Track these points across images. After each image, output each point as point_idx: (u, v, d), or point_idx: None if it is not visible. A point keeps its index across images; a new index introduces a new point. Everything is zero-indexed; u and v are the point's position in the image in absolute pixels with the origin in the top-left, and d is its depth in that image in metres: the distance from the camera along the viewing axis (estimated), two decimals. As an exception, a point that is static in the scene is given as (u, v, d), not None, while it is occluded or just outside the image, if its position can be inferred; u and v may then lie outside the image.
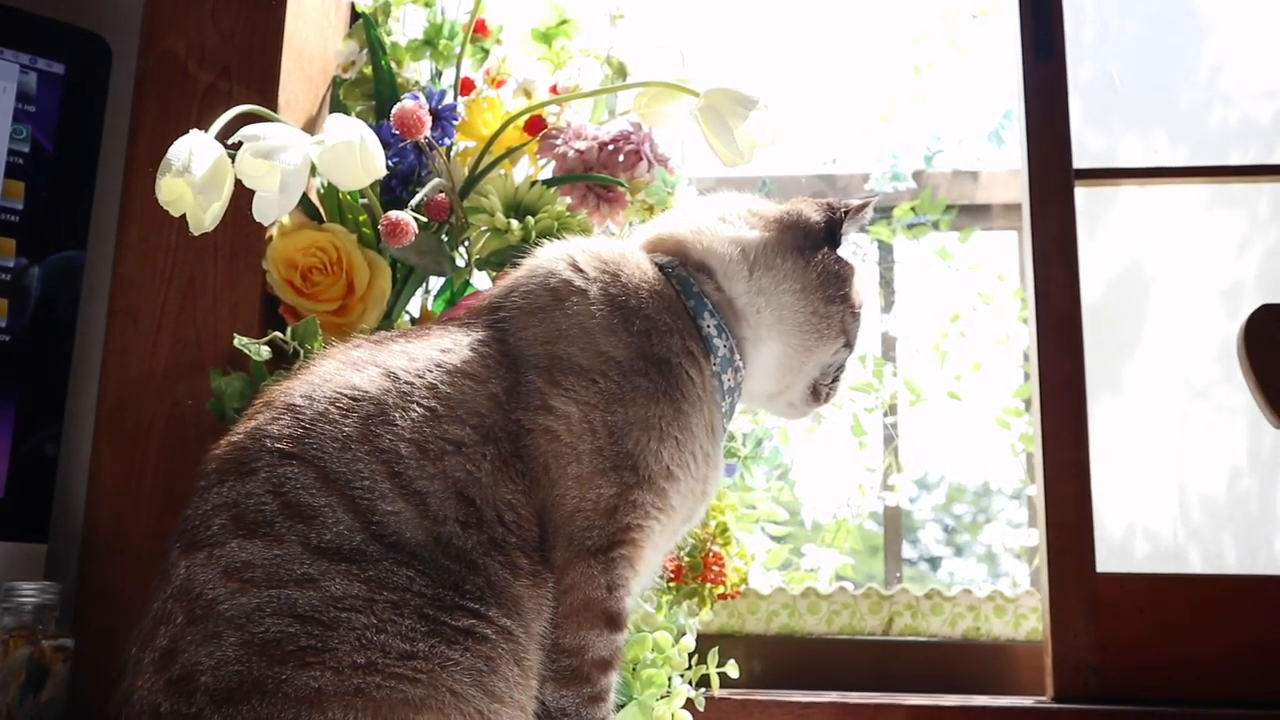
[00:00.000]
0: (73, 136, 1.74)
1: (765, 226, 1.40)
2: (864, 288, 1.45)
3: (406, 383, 1.17)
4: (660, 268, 1.34)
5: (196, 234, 1.37)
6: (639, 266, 1.32)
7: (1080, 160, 1.97)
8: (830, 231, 1.41)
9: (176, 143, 1.35)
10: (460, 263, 1.69)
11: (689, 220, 1.41)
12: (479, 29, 1.83)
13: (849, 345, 1.43)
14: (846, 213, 1.42)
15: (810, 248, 1.39)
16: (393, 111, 1.58)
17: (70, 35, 1.76)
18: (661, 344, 1.26)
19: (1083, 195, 1.94)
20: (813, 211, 1.42)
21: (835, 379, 1.45)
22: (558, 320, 1.25)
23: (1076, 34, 2.03)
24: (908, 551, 2.58)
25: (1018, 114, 1.94)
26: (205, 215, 1.35)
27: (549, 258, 1.32)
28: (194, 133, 1.37)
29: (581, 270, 1.29)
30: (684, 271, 1.34)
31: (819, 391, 1.44)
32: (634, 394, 1.22)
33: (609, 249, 1.35)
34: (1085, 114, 2.02)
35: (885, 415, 2.39)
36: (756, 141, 1.47)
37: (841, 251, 1.43)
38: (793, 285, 1.37)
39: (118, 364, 1.73)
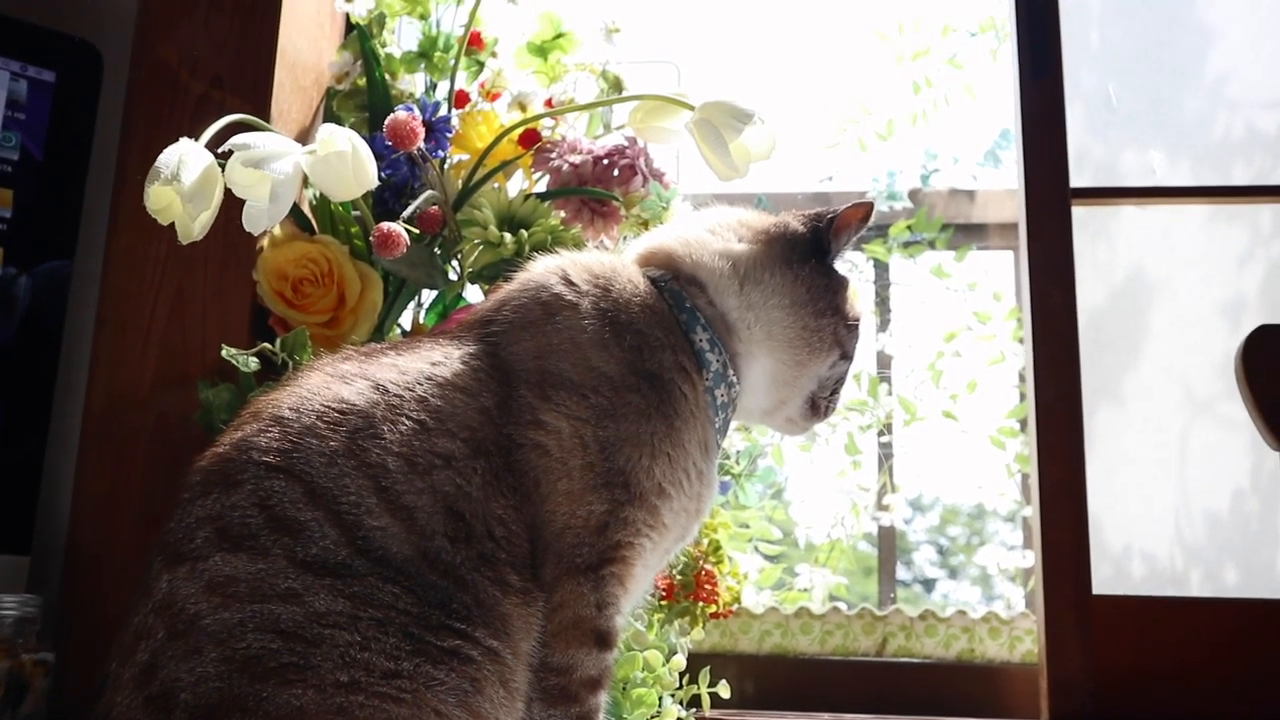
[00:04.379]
0: (62, 145, 1.73)
1: (754, 239, 1.39)
2: (858, 299, 1.43)
3: (396, 395, 1.16)
4: (653, 281, 1.33)
5: (185, 243, 1.36)
6: (631, 280, 1.31)
7: (1082, 172, 1.97)
8: (817, 242, 1.39)
9: (166, 151, 1.34)
10: (453, 276, 1.68)
11: (680, 233, 1.40)
12: (474, 42, 1.83)
13: (845, 357, 1.41)
14: (832, 220, 1.39)
15: (798, 260, 1.38)
16: (385, 122, 1.57)
17: (61, 43, 1.75)
18: (654, 359, 1.25)
19: (1082, 212, 1.94)
20: (799, 223, 1.41)
21: (834, 392, 1.43)
22: (549, 335, 1.24)
23: (1083, 41, 2.03)
24: (902, 573, 2.57)
25: (1015, 133, 1.93)
26: (194, 224, 1.34)
27: (541, 271, 1.31)
28: (184, 141, 1.36)
29: (573, 284, 1.28)
30: (676, 285, 1.33)
31: (817, 405, 1.42)
32: (626, 410, 1.21)
33: (601, 263, 1.33)
34: (1088, 125, 2.02)
35: (880, 434, 2.39)
36: (752, 155, 1.46)
37: (838, 264, 1.41)
38: (781, 300, 1.35)
39: (104, 374, 1.72)
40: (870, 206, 1.41)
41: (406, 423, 1.14)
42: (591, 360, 1.22)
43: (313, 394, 1.17)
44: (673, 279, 1.34)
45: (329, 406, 1.15)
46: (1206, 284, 1.96)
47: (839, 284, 1.40)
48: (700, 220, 1.43)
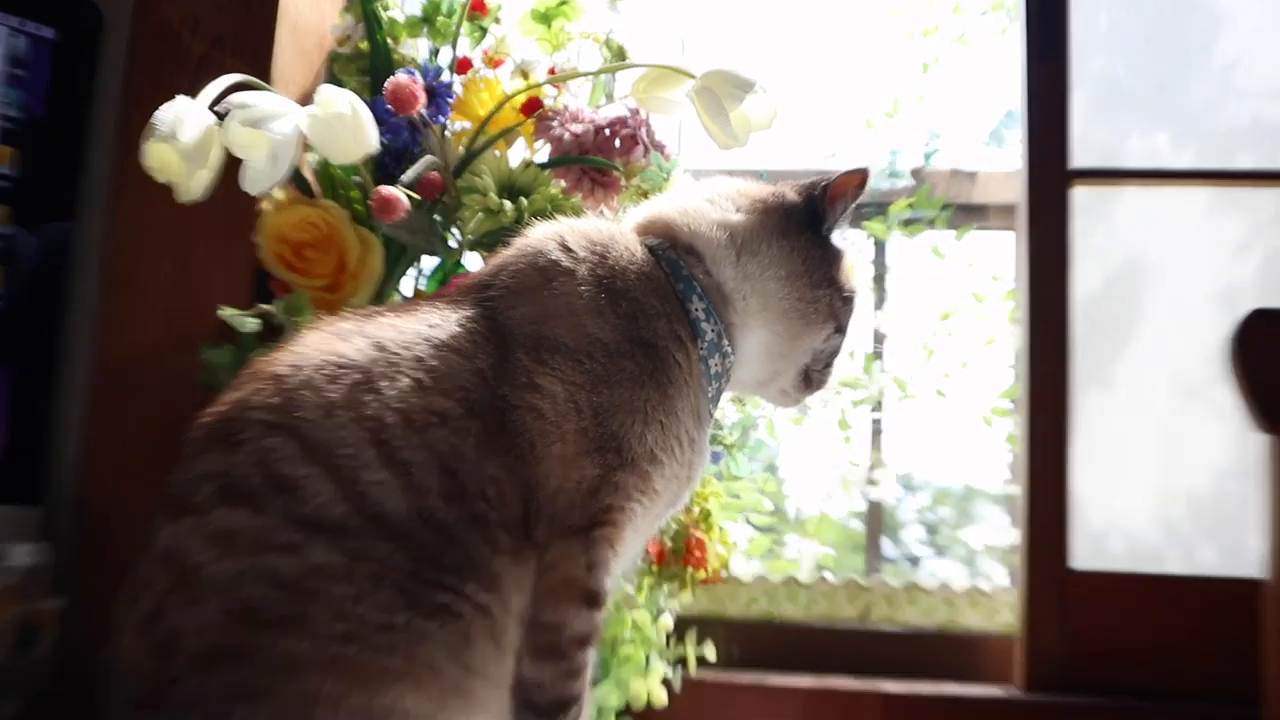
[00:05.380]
0: (64, 103, 1.73)
1: (750, 209, 1.39)
2: (855, 273, 1.44)
3: (394, 353, 1.17)
4: (650, 249, 1.34)
5: (183, 202, 1.37)
6: (628, 248, 1.32)
7: (1086, 155, 1.97)
8: (812, 211, 1.40)
9: (163, 108, 1.35)
10: (453, 243, 1.69)
11: (679, 202, 1.41)
12: (477, 7, 1.83)
13: (840, 330, 1.42)
14: (826, 188, 1.39)
15: (794, 230, 1.39)
16: (386, 85, 1.57)
17: (61, 1, 1.75)
18: (648, 327, 1.26)
19: (1083, 193, 1.95)
20: (794, 193, 1.42)
21: (828, 365, 1.44)
22: (545, 300, 1.25)
23: (1092, 24, 2.03)
24: (889, 549, 2.60)
25: (1019, 115, 1.95)
26: (192, 182, 1.35)
27: (538, 237, 1.32)
28: (181, 99, 1.37)
29: (570, 250, 1.29)
30: (674, 254, 1.34)
31: (811, 378, 1.44)
32: (619, 376, 1.22)
33: (599, 230, 1.34)
34: (1094, 108, 2.02)
35: (873, 412, 2.40)
36: (752, 124, 1.46)
37: (836, 236, 1.41)
38: (777, 271, 1.36)
39: (111, 334, 1.74)
40: (865, 173, 1.40)
41: (404, 380, 1.15)
42: (587, 326, 1.23)
43: (311, 351, 1.18)
44: (670, 248, 1.35)
45: (327, 361, 1.16)
46: (1203, 271, 1.98)
47: (834, 255, 1.40)
48: (700, 190, 1.44)
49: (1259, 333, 1.45)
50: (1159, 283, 1.98)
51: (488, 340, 1.22)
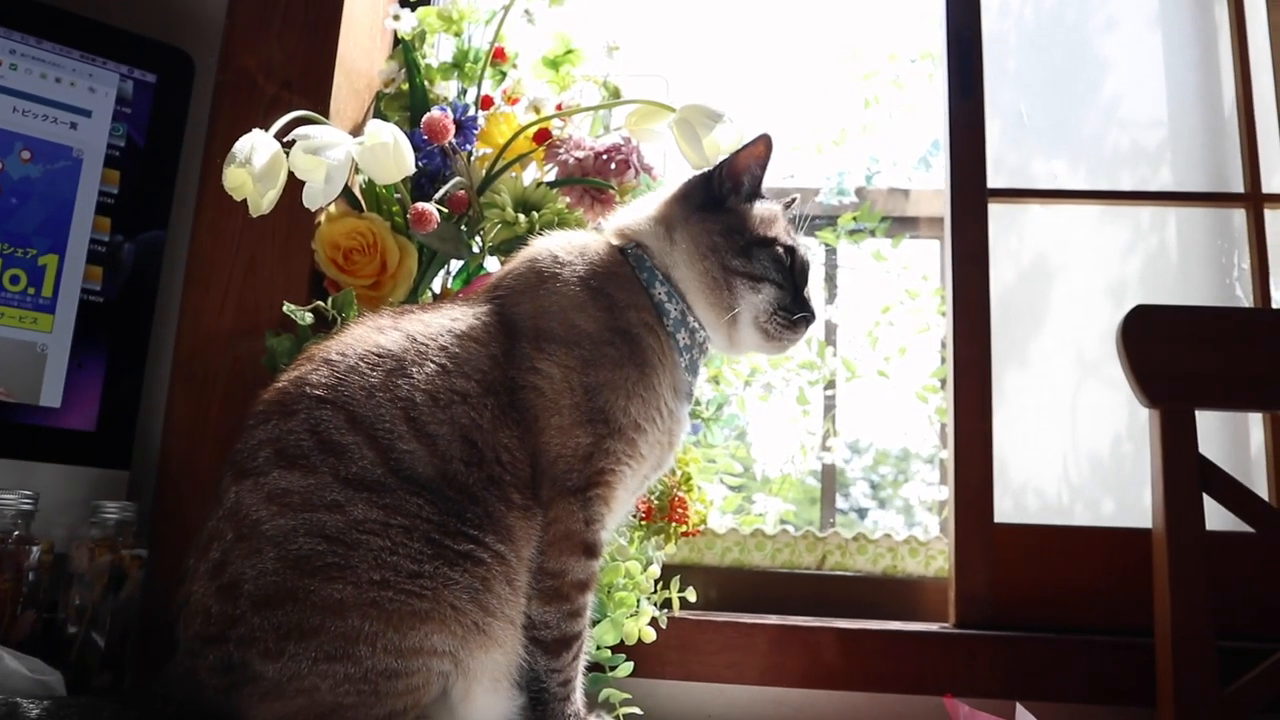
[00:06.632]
0: (160, 134, 1.71)
1: (670, 203, 1.33)
2: (776, 222, 1.31)
3: (422, 343, 1.16)
4: (620, 250, 1.31)
5: (255, 216, 1.35)
6: (599, 253, 1.30)
7: (999, 176, 1.95)
8: (711, 190, 1.32)
9: (240, 139, 1.33)
10: (476, 249, 1.66)
11: (637, 208, 1.37)
12: (498, 55, 1.81)
13: (763, 280, 1.27)
14: (723, 165, 1.32)
15: (700, 207, 1.31)
16: (423, 120, 1.56)
17: (161, 50, 1.72)
18: (623, 317, 1.24)
19: (998, 207, 1.93)
20: (698, 178, 1.34)
21: (774, 314, 1.27)
22: (540, 299, 1.23)
23: (1001, 67, 2.01)
24: (840, 503, 2.58)
25: (943, 144, 1.92)
26: (263, 200, 1.33)
27: (535, 248, 1.31)
28: (255, 131, 1.35)
29: (558, 259, 1.27)
30: (639, 251, 1.30)
31: (765, 330, 1.28)
32: (604, 360, 1.20)
33: (583, 240, 1.33)
34: (1004, 137, 2.00)
35: (826, 389, 2.39)
36: (721, 149, 1.43)
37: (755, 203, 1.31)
38: (690, 248, 1.28)
39: (191, 324, 1.71)
40: (766, 140, 1.31)
41: (431, 365, 1.14)
42: (574, 320, 1.22)
43: (356, 342, 1.17)
44: (636, 246, 1.31)
45: (369, 350, 1.15)
46: (1097, 269, 1.94)
47: (740, 220, 1.30)
48: (654, 196, 1.39)
49: (1140, 325, 1.43)
50: (1063, 279, 1.95)
51: (499, 331, 1.21)
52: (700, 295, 1.28)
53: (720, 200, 1.32)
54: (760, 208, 1.33)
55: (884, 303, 2.46)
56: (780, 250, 1.30)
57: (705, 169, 1.35)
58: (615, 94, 1.77)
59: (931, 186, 2.51)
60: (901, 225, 2.49)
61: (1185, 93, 2.02)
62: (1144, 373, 1.41)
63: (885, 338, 2.44)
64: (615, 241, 1.33)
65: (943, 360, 2.21)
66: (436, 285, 1.74)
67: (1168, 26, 2.05)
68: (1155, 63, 2.04)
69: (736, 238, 1.28)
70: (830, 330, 2.45)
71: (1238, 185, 1.95)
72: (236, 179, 1.32)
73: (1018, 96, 2.01)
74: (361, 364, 1.13)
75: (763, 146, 1.31)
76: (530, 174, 1.77)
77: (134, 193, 1.66)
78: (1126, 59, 2.05)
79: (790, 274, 1.30)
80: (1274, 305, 1.87)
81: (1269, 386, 1.41)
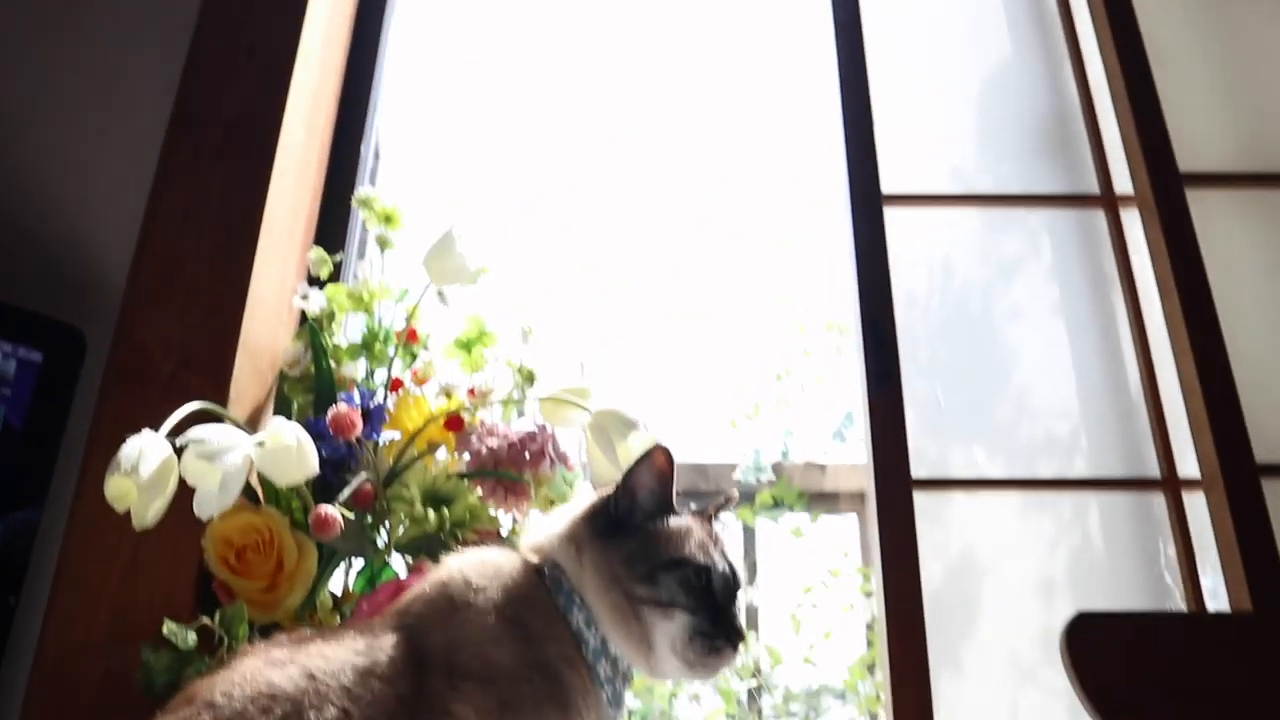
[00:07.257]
0: (42, 416, 1.62)
1: (578, 523, 1.23)
2: (682, 536, 1.19)
3: (323, 683, 1.04)
4: (537, 570, 1.20)
5: (138, 529, 1.25)
6: (513, 577, 1.18)
7: (919, 465, 1.93)
8: (609, 514, 1.22)
9: (128, 442, 1.25)
10: (380, 544, 1.56)
11: (552, 522, 1.27)
12: (410, 337, 1.76)
13: (679, 608, 1.16)
14: (620, 484, 1.22)
15: (603, 531, 1.21)
16: (328, 414, 1.50)
17: (50, 327, 1.66)
18: (541, 651, 1.12)
19: (922, 498, 1.90)
20: (601, 500, 1.24)
21: (690, 641, 1.16)
22: (452, 630, 1.12)
23: (914, 356, 2.04)
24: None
25: (858, 419, 1.92)
26: (148, 512, 1.25)
27: (449, 570, 1.20)
28: (146, 433, 1.27)
29: (472, 583, 1.16)
30: (557, 572, 1.20)
31: (687, 659, 1.16)
32: (522, 701, 1.08)
33: (497, 559, 1.21)
34: (922, 425, 2.00)
35: (751, 678, 2.29)
36: (632, 456, 1.32)
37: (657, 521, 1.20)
38: (595, 576, 1.18)
39: (57, 627, 1.55)
40: (666, 452, 1.20)
41: (331, 710, 1.01)
42: (489, 654, 1.10)
43: (245, 680, 1.04)
44: (555, 565, 1.21)
45: (260, 691, 1.02)
46: (1025, 564, 1.91)
47: (647, 545, 1.19)
48: (568, 509, 1.29)
49: (1085, 634, 1.38)
50: (991, 575, 1.91)
51: (407, 666, 1.09)
52: (612, 626, 1.17)
53: (621, 523, 1.22)
54: (671, 524, 1.22)
55: (806, 582, 2.41)
56: (690, 572, 1.18)
57: (606, 491, 1.26)
58: (529, 378, 1.73)
59: (847, 461, 2.51)
60: (818, 501, 2.48)
61: (1093, 378, 2.07)
62: (1094, 690, 1.34)
63: (809, 620, 2.37)
64: (533, 559, 1.23)
65: (868, 644, 2.14)
66: (335, 584, 1.62)
67: (1069, 315, 2.12)
68: (1061, 349, 2.09)
69: (639, 565, 1.17)
70: (751, 614, 2.37)
71: (1154, 471, 1.96)
72: (119, 488, 1.23)
73: (932, 384, 2.03)
74: (251, 707, 1.00)
75: (662, 459, 1.21)
76: (442, 457, 1.70)
77: (4, 475, 1.55)
78: (1033, 347, 2.10)
79: (707, 595, 1.18)
80: (1204, 592, 1.85)
81: (1225, 694, 1.37)
